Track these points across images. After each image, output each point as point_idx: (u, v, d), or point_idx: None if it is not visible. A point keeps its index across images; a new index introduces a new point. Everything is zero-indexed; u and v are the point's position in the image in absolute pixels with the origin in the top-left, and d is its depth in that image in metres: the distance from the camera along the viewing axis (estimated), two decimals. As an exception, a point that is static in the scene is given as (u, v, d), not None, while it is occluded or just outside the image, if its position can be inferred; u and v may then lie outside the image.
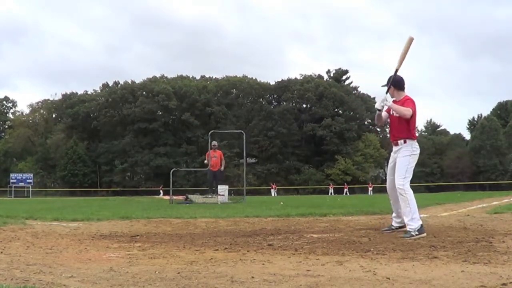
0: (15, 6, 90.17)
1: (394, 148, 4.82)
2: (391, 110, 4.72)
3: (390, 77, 4.80)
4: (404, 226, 4.83)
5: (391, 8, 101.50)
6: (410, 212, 4.45)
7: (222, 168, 15.22)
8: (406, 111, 4.56)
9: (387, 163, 5.18)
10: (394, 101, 4.73)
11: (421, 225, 4.43)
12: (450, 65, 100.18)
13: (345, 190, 46.39)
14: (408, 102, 4.64)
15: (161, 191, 42.25)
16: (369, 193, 43.58)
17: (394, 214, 5.02)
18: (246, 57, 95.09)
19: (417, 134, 5.01)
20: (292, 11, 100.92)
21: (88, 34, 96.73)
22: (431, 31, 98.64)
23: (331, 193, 43.15)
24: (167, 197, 21.10)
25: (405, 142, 4.69)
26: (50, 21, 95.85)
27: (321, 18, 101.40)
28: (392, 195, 4.90)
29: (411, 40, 4.71)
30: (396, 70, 4.68)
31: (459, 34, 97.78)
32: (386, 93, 4.73)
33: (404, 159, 4.65)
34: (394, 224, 4.99)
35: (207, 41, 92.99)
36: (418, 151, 4.74)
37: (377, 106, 4.70)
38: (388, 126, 5.11)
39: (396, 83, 4.79)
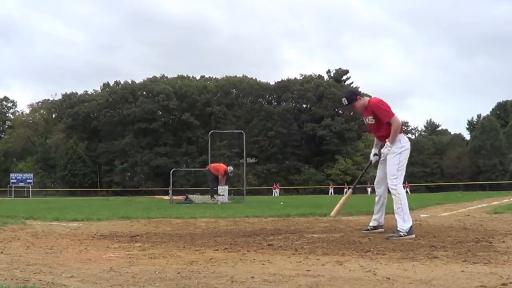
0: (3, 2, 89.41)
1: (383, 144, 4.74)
2: (366, 119, 4.75)
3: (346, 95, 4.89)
4: (380, 227, 4.87)
5: (385, 4, 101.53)
6: (402, 213, 4.41)
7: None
8: (397, 128, 4.52)
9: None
10: (360, 109, 4.75)
11: (411, 226, 4.38)
12: (449, 64, 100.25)
13: (345, 190, 46.41)
14: (380, 108, 4.59)
15: (170, 191, 42.00)
16: (368, 193, 43.64)
17: (374, 212, 4.97)
18: (241, 55, 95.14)
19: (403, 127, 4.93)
20: (284, 8, 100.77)
21: (79, 32, 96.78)
22: (427, 29, 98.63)
23: (331, 193, 43.14)
24: (167, 197, 21.11)
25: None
26: (40, 19, 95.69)
27: (313, 16, 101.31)
28: (378, 190, 4.90)
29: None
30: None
31: (458, 32, 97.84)
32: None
33: (395, 158, 4.53)
34: (371, 224, 4.93)
35: (200, 39, 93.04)
36: (408, 145, 4.61)
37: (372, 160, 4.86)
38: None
39: (354, 94, 4.82)
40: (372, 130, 4.85)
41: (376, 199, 4.92)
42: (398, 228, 4.37)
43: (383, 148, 4.65)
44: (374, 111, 4.59)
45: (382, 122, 4.59)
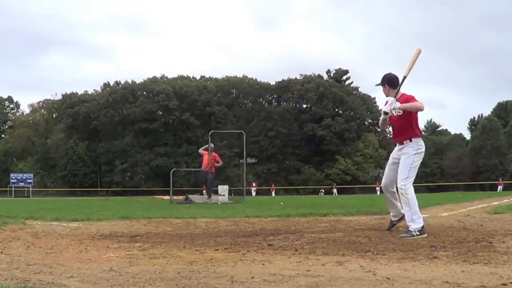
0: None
1: (398, 147, 4.73)
2: (395, 111, 4.61)
3: (385, 75, 4.82)
4: (402, 218, 4.88)
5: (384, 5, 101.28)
6: (411, 213, 4.43)
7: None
8: (419, 104, 4.50)
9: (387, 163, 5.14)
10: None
11: (423, 226, 4.41)
12: (450, 64, 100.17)
13: (334, 190, 46.09)
14: (413, 98, 4.59)
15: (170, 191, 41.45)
16: (377, 193, 43.01)
17: (390, 211, 5.04)
18: (242, 55, 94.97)
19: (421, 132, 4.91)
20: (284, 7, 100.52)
21: (80, 31, 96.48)
22: (428, 29, 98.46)
23: (334, 194, 43.10)
24: (167, 197, 21.12)
25: (410, 140, 4.62)
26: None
27: (313, 14, 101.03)
28: (387, 191, 4.91)
29: (418, 51, 4.76)
30: (404, 77, 4.66)
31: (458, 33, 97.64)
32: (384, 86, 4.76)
33: (408, 158, 4.55)
34: (393, 219, 5.01)
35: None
36: (423, 149, 4.66)
37: (385, 109, 4.52)
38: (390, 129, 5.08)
39: (390, 82, 4.73)
40: (392, 124, 4.79)
41: (387, 199, 4.97)
42: (410, 229, 4.39)
43: (391, 105, 4.52)
44: (408, 100, 4.54)
45: (409, 115, 4.57)
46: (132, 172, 57.94)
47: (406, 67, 4.73)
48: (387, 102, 4.63)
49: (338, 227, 5.58)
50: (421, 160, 4.64)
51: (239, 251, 3.63)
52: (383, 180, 4.95)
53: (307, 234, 4.75)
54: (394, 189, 4.89)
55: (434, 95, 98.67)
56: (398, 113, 4.58)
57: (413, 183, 4.62)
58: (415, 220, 4.40)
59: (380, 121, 4.76)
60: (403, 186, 4.50)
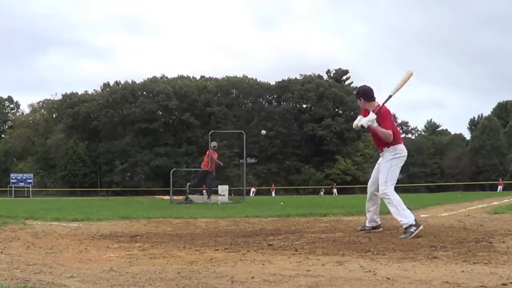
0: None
1: (380, 154, 4.86)
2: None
3: (359, 88, 4.94)
4: (378, 227, 4.98)
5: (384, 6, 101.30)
6: (398, 210, 4.48)
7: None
8: (388, 136, 4.55)
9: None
10: (366, 112, 4.71)
11: (415, 219, 4.43)
12: (450, 65, 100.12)
13: (334, 190, 46.17)
14: (385, 118, 4.57)
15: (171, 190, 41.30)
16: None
17: (367, 212, 5.05)
18: (243, 55, 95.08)
19: (402, 136, 5.04)
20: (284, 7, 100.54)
21: (81, 31, 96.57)
22: (428, 30, 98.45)
23: (335, 194, 43.13)
24: (167, 197, 21.13)
25: (388, 147, 4.67)
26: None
27: (312, 14, 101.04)
28: (372, 195, 4.95)
29: (410, 74, 4.79)
30: (390, 96, 4.68)
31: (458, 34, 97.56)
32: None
33: (386, 163, 4.65)
34: (368, 225, 5.02)
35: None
36: (403, 153, 4.70)
37: (364, 124, 4.57)
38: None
39: (365, 94, 4.78)
40: (372, 135, 4.87)
41: (367, 198, 5.00)
42: (404, 226, 4.42)
43: (362, 119, 4.60)
44: (380, 118, 4.56)
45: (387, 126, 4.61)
46: (132, 172, 57.91)
47: (395, 86, 4.75)
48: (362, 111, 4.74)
49: (338, 227, 5.58)
50: (401, 164, 4.70)
51: (239, 251, 3.63)
52: (370, 185, 4.99)
53: (307, 234, 4.75)
54: (378, 195, 4.94)
55: (434, 95, 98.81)
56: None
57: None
58: (405, 215, 4.43)
59: (354, 124, 4.75)
60: (383, 190, 4.59)
